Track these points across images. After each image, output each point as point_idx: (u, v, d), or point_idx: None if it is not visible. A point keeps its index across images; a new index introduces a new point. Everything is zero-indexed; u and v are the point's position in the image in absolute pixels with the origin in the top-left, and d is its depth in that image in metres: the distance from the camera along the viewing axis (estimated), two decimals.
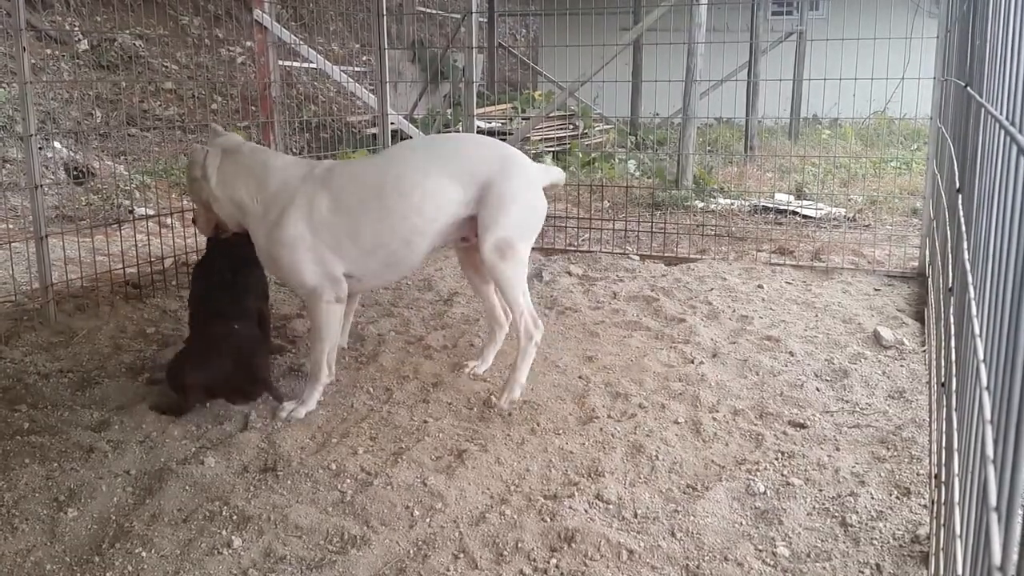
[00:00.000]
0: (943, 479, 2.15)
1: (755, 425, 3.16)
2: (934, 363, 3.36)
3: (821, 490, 2.68)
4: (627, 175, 9.13)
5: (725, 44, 8.61)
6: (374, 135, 8.34)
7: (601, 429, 3.10)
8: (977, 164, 2.11)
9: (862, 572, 2.26)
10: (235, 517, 2.52)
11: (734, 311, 4.57)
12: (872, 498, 2.60)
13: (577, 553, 2.33)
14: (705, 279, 5.24)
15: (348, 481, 2.73)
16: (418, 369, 3.72)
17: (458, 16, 12.49)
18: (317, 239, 3.16)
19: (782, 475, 2.77)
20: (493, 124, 10.16)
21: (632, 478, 2.77)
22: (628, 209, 7.23)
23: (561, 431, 3.10)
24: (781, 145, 11.31)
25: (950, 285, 2.66)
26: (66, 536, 2.42)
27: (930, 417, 3.11)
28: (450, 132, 9.89)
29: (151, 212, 6.40)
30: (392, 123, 6.99)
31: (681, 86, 7.79)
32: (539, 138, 10.18)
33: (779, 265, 5.59)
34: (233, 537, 2.41)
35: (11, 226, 6.21)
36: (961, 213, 2.46)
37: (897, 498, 2.61)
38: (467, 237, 3.37)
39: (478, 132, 7.59)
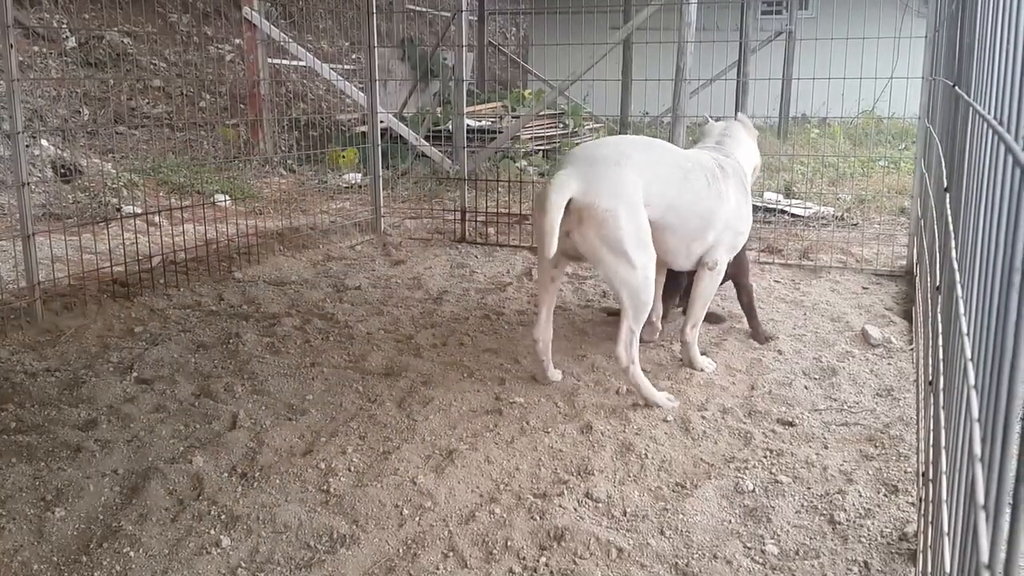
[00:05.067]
0: (931, 477, 2.16)
1: (744, 423, 3.17)
2: (922, 361, 3.38)
3: (809, 488, 2.68)
4: None
5: (715, 43, 8.62)
6: (363, 133, 8.32)
7: (591, 427, 3.10)
8: (965, 163, 2.12)
9: (850, 570, 2.26)
10: (223, 516, 2.51)
11: (723, 309, 4.57)
12: (860, 496, 2.61)
13: (567, 551, 2.33)
14: None
15: (337, 480, 2.72)
16: (407, 368, 3.72)
17: (448, 14, 12.48)
18: None
19: (771, 473, 2.78)
20: (483, 123, 10.15)
21: (622, 476, 2.77)
22: None
23: (550, 430, 3.11)
24: (770, 144, 11.34)
25: (938, 284, 2.67)
26: (53, 536, 2.41)
27: (918, 415, 3.12)
28: (439, 130, 9.88)
29: (139, 210, 6.37)
30: (381, 121, 6.97)
31: (671, 85, 7.80)
32: (529, 137, 10.17)
33: (768, 264, 5.60)
34: (222, 536, 2.40)
35: None
36: (949, 212, 2.47)
37: (885, 496, 2.63)
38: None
39: (467, 131, 7.58)
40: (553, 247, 3.05)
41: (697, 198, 3.39)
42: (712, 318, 4.30)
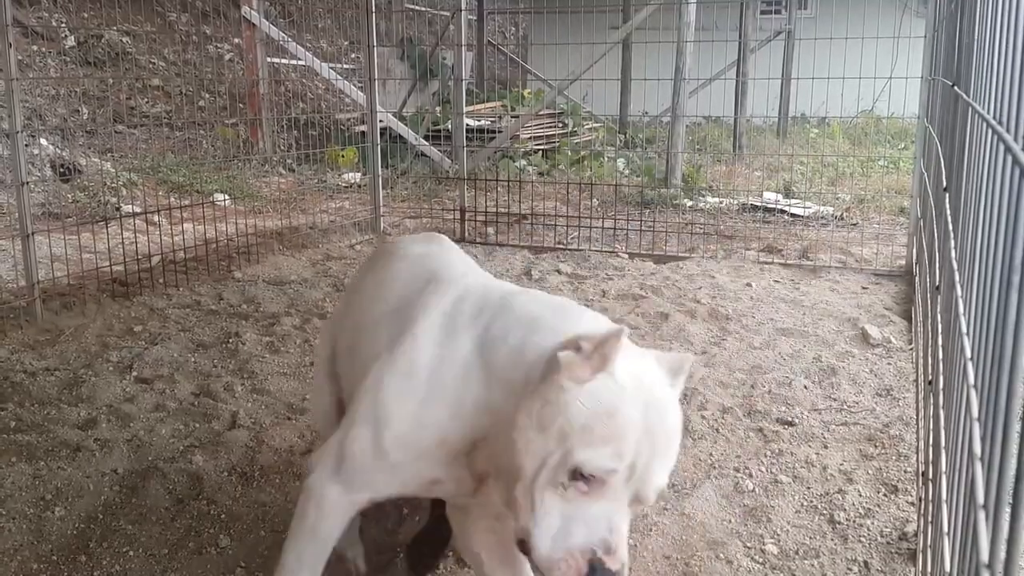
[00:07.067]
0: (930, 476, 2.16)
1: (744, 423, 3.17)
2: (921, 361, 3.38)
3: (809, 488, 2.68)
4: (616, 173, 9.14)
5: (714, 43, 8.63)
6: (362, 132, 8.32)
7: None
8: (964, 163, 2.12)
9: (850, 569, 2.27)
10: (223, 516, 2.51)
11: (722, 309, 4.57)
12: (860, 495, 2.62)
13: None
14: (694, 277, 5.25)
15: None
16: None
17: (447, 13, 12.47)
18: None
19: (771, 473, 2.78)
20: (482, 122, 10.15)
21: None
22: (617, 207, 7.23)
23: None
24: (769, 144, 11.34)
25: (937, 283, 2.67)
26: (53, 535, 2.40)
27: (917, 415, 3.12)
28: (439, 130, 9.86)
29: (138, 209, 6.36)
30: (380, 120, 6.98)
31: (670, 84, 7.81)
32: (528, 136, 10.17)
33: (767, 263, 5.60)
34: (221, 536, 2.40)
35: None
36: (948, 211, 2.47)
37: (885, 495, 2.63)
38: None
39: (467, 130, 7.57)
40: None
41: None
42: None
